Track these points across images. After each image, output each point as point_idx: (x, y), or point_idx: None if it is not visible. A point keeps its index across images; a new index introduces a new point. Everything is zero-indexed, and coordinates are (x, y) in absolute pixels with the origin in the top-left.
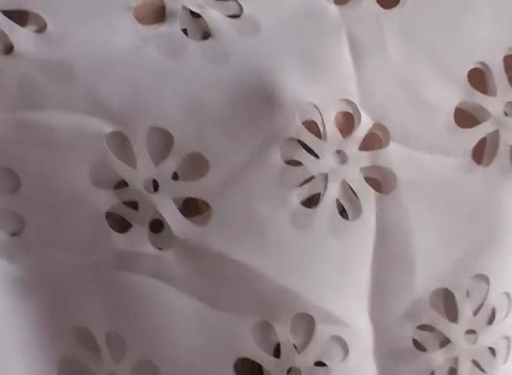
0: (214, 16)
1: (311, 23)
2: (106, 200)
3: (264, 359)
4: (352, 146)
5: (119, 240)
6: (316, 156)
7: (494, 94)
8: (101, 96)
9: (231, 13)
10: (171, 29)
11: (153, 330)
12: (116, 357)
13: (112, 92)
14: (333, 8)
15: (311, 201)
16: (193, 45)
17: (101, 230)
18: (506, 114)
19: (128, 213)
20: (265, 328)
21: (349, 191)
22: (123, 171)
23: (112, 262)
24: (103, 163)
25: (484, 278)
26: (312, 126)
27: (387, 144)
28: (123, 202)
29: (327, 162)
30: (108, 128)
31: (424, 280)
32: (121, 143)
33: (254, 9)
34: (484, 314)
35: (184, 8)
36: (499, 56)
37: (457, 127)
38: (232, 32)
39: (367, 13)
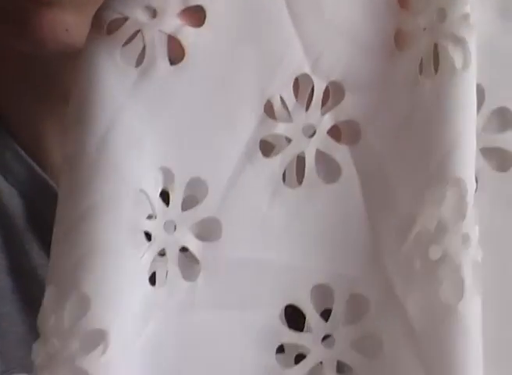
0: None
1: None
2: None
3: (302, 338)
4: (315, 115)
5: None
6: (288, 140)
7: None
8: None
9: None
10: None
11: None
12: None
13: None
14: None
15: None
16: None
17: None
18: None
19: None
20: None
21: (324, 155)
22: None
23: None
24: None
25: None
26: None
27: (343, 97)
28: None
29: (300, 143)
30: None
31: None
32: None
33: None
34: None
35: None
36: None
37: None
38: None
39: None
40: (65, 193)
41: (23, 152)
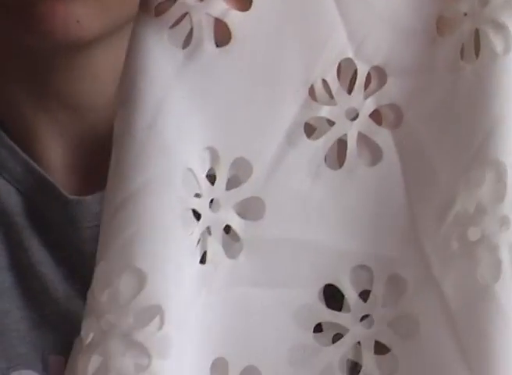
0: None
1: None
2: None
3: (341, 318)
4: (358, 99)
5: None
6: (331, 122)
7: None
8: None
9: None
10: None
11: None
12: None
13: None
14: None
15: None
16: None
17: None
18: None
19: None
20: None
21: (366, 138)
22: None
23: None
24: None
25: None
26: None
27: (385, 81)
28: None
29: (342, 125)
30: None
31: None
32: None
33: None
34: None
35: None
36: None
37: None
38: None
39: None
40: (115, 172)
41: (18, 148)
